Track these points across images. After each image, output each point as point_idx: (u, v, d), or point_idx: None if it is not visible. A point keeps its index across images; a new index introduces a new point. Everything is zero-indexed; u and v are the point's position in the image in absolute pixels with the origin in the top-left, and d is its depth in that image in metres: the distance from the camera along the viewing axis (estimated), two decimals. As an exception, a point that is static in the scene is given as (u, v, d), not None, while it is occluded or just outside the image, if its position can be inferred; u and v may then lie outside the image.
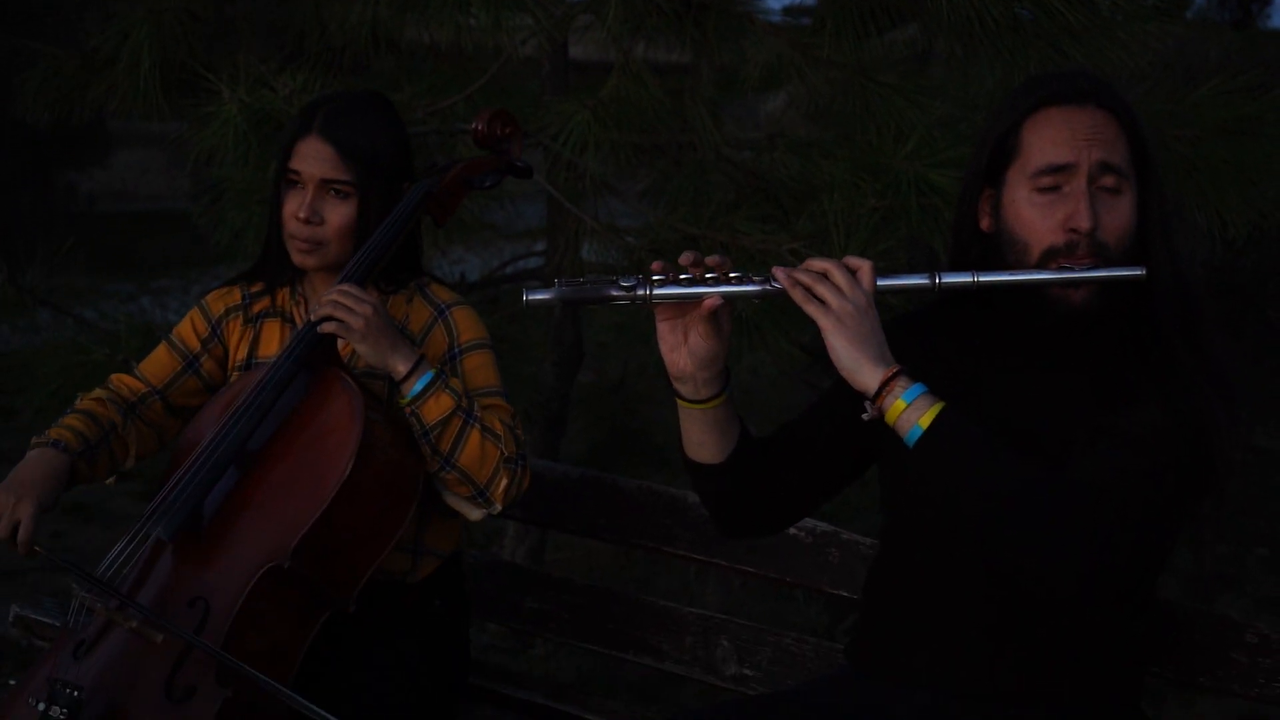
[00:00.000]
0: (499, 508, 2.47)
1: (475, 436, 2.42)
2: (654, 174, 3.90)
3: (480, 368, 2.59)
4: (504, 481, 2.44)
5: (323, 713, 2.13)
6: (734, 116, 4.68)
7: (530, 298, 2.03)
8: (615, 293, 2.00)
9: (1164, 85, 3.63)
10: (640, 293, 1.99)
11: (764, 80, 4.33)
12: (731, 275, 2.01)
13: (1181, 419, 2.01)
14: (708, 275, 2.01)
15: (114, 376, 2.77)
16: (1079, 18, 3.19)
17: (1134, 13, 3.30)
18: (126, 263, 9.35)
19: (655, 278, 2.01)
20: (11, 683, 2.74)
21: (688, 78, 4.19)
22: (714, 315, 2.03)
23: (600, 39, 3.65)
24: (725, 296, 2.00)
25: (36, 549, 2.40)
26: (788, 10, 4.61)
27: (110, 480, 2.69)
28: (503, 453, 2.44)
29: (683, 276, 2.01)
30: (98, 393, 2.70)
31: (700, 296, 2.00)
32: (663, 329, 2.07)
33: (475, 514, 2.48)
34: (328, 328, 2.40)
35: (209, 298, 2.78)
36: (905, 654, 2.23)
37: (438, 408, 2.41)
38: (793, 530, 2.75)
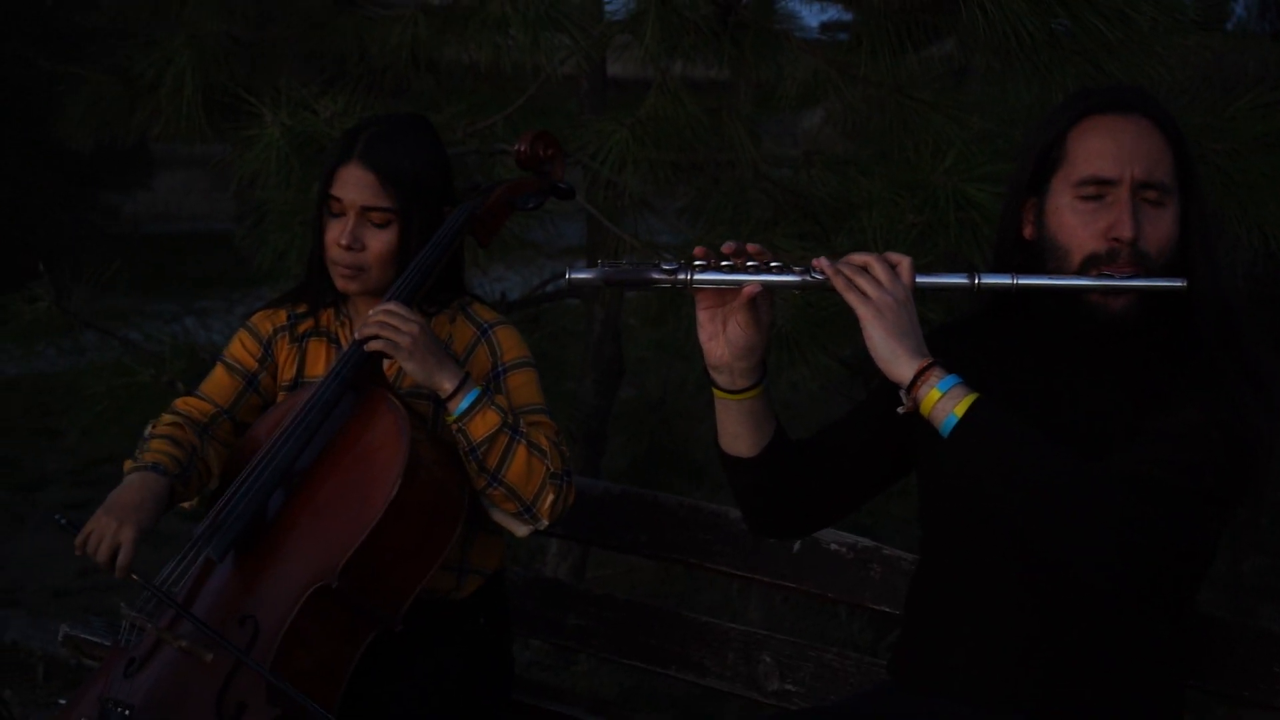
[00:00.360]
0: (545, 523, 2.48)
1: (522, 453, 2.43)
2: (692, 192, 3.90)
3: (524, 385, 2.60)
4: (550, 497, 2.45)
5: None
6: (771, 134, 4.69)
7: (574, 276, 2.07)
8: (657, 275, 2.03)
9: (1202, 98, 3.62)
10: (681, 277, 2.02)
11: (801, 97, 4.33)
12: (773, 265, 2.02)
13: (1220, 421, 2.00)
14: (749, 264, 2.03)
15: (179, 401, 2.76)
16: (1116, 32, 3.18)
17: (1171, 26, 3.29)
18: (170, 283, 9.41)
19: (697, 263, 2.02)
20: (61, 702, 2.77)
21: (725, 95, 4.20)
22: (753, 304, 2.05)
23: (638, 57, 3.65)
24: (766, 285, 2.02)
25: (133, 576, 2.38)
26: (825, 27, 4.63)
27: (192, 503, 2.67)
28: (548, 468, 2.45)
29: (724, 264, 2.02)
30: (169, 418, 2.67)
31: (740, 284, 2.02)
32: (702, 317, 2.08)
33: (522, 530, 2.49)
34: (375, 346, 2.41)
35: (255, 319, 2.78)
36: (947, 667, 2.23)
37: (484, 424, 2.42)
38: (834, 546, 2.75)
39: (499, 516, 2.50)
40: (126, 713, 2.26)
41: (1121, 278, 2.03)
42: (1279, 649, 2.37)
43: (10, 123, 9.27)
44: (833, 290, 2.00)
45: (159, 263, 10.15)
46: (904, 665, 2.34)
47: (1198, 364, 2.06)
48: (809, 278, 2.01)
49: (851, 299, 1.97)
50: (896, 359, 1.97)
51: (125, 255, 4.71)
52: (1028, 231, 2.18)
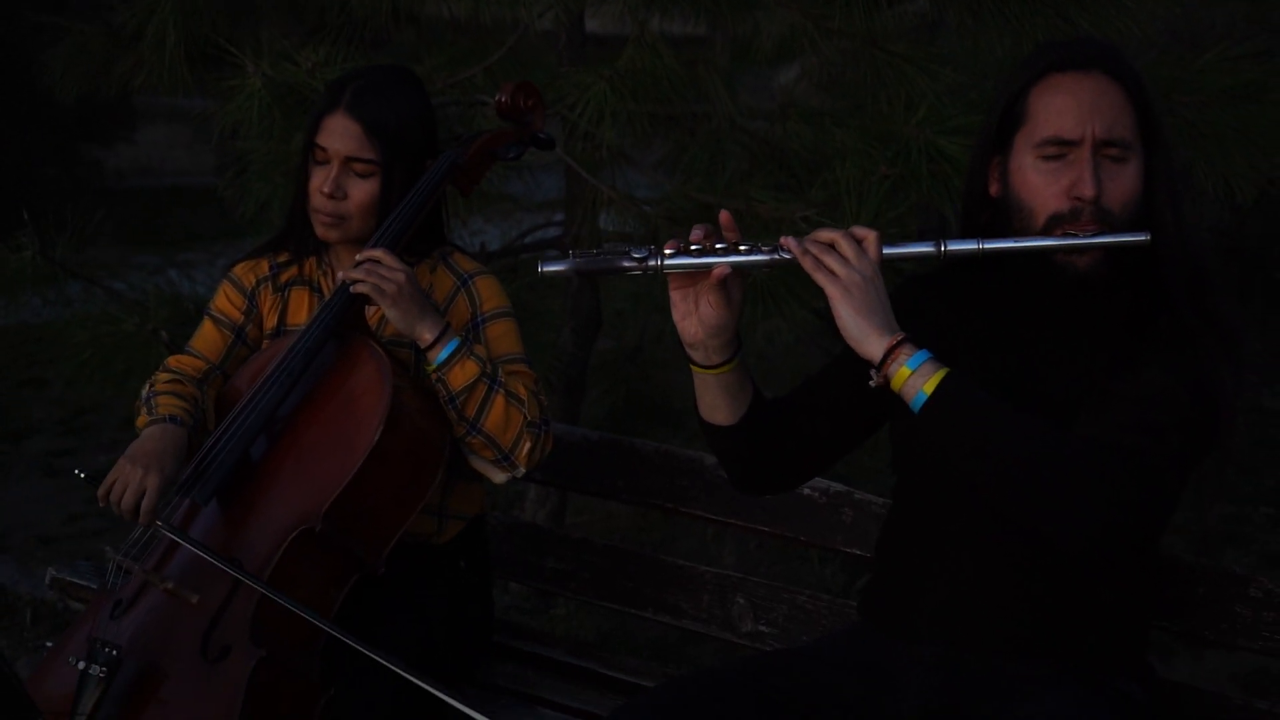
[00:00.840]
0: (523, 470, 2.49)
1: (500, 402, 2.43)
2: (670, 144, 3.89)
3: (503, 335, 2.60)
4: (527, 445, 2.46)
5: (356, 643, 2.17)
6: (748, 87, 4.67)
7: (545, 268, 2.04)
8: (627, 263, 2.02)
9: (1171, 52, 3.62)
10: (652, 263, 2.01)
11: (777, 52, 4.32)
12: (741, 246, 2.02)
13: (1187, 380, 2.01)
14: (718, 246, 2.03)
15: (171, 359, 2.77)
16: (1088, -10, 3.19)
17: (1146, -15, 3.30)
18: (154, 236, 9.36)
19: (667, 251, 2.02)
20: (49, 644, 2.77)
21: (702, 49, 4.18)
22: (724, 284, 2.04)
23: (616, 12, 3.65)
24: (734, 266, 2.02)
25: (159, 524, 2.40)
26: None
27: None
28: (526, 417, 2.46)
29: (693, 248, 2.02)
30: (165, 375, 2.68)
31: (710, 266, 2.02)
32: (675, 298, 2.08)
33: (500, 476, 2.50)
34: (361, 289, 2.40)
35: (237, 270, 2.78)
36: (917, 609, 2.24)
37: (463, 374, 2.42)
38: (807, 491, 2.76)
39: (478, 463, 2.51)
40: (114, 653, 2.25)
41: (1084, 236, 2.04)
42: (1239, 589, 2.40)
43: (-4, 75, 9.22)
44: (801, 269, 2.01)
45: (142, 216, 10.10)
46: (874, 607, 2.35)
47: (1165, 321, 2.07)
48: (777, 257, 2.01)
49: (819, 278, 1.97)
50: (866, 337, 1.97)
51: (109, 208, 4.69)
52: (994, 189, 2.19)
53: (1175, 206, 2.11)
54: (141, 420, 2.57)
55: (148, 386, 2.67)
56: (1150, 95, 2.12)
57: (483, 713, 2.61)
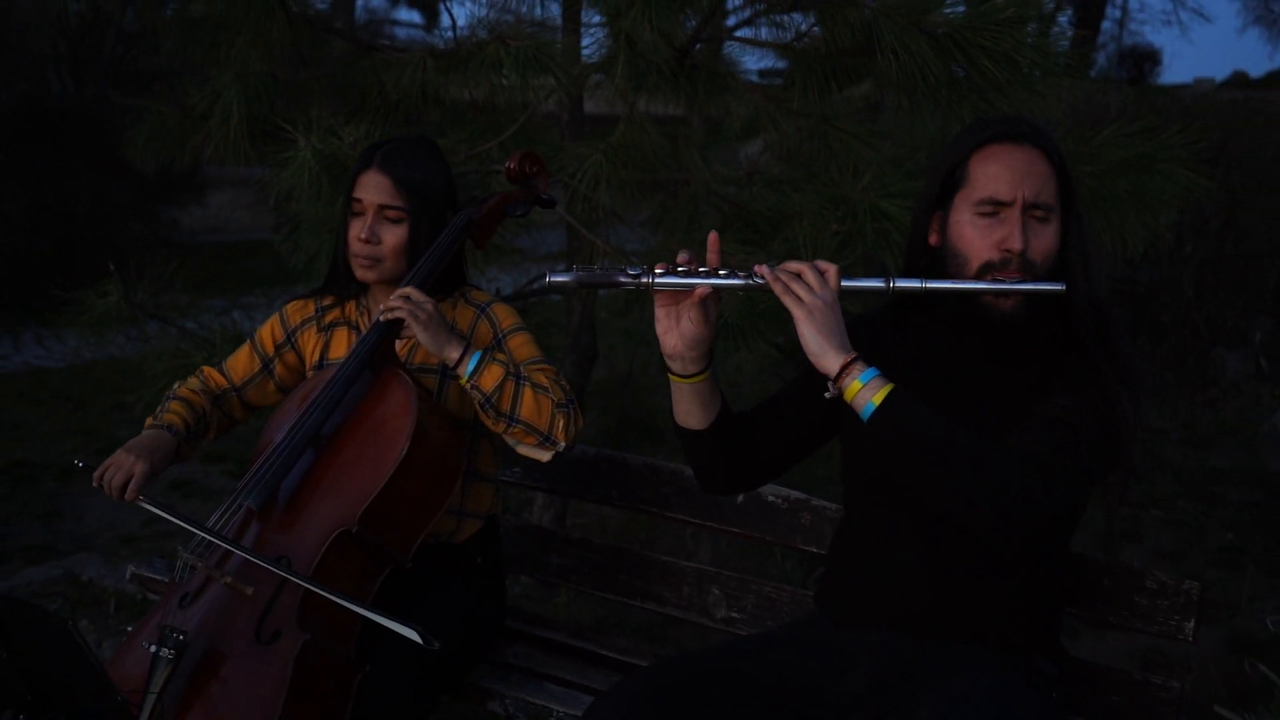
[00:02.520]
0: (563, 445, 2.45)
1: (528, 392, 2.42)
2: (654, 205, 3.89)
3: (523, 345, 2.60)
4: (562, 422, 2.44)
5: (387, 620, 2.16)
6: (719, 158, 4.68)
7: (552, 279, 2.05)
8: (623, 279, 2.02)
9: (1075, 130, 3.63)
10: (644, 280, 2.01)
11: (744, 129, 4.32)
12: (720, 270, 2.02)
13: (1093, 406, 2.03)
14: (700, 270, 2.02)
15: (205, 369, 2.80)
16: (1004, 74, 3.18)
17: (1048, 70, 3.30)
18: (220, 283, 9.34)
19: (657, 270, 2.02)
20: (128, 629, 2.74)
21: (681, 126, 4.18)
22: (703, 303, 2.04)
23: (609, 95, 3.65)
24: (715, 287, 2.02)
25: (140, 499, 2.44)
26: (762, 73, 4.61)
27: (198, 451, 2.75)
28: (554, 400, 2.44)
29: (679, 269, 2.02)
30: (192, 383, 2.74)
31: (693, 286, 2.02)
32: (660, 313, 2.08)
33: (546, 456, 2.47)
34: (398, 314, 2.40)
35: (289, 306, 2.78)
36: (864, 600, 2.25)
37: (491, 377, 2.41)
38: (771, 498, 2.77)
39: (524, 450, 2.48)
40: (181, 637, 2.24)
41: (1012, 282, 2.04)
42: (1138, 581, 2.40)
43: (89, 148, 9.21)
44: (772, 293, 2.00)
45: (210, 266, 10.09)
46: (827, 598, 2.34)
47: (1075, 356, 2.08)
48: (751, 281, 2.01)
49: (787, 301, 1.98)
50: (825, 353, 1.97)
51: (182, 260, 4.68)
52: (933, 239, 2.19)
53: (1085, 262, 2.12)
54: (148, 422, 2.62)
55: (176, 386, 2.72)
56: (1069, 168, 2.14)
57: (498, 686, 2.60)
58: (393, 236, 2.58)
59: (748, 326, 3.19)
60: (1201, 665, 3.73)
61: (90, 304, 3.74)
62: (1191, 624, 2.35)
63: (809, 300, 1.97)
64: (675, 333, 2.07)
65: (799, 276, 1.98)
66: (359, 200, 2.58)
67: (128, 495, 2.44)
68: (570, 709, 2.54)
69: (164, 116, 3.86)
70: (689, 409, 2.19)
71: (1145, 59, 27.16)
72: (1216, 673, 3.69)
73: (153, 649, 2.24)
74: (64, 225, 9.43)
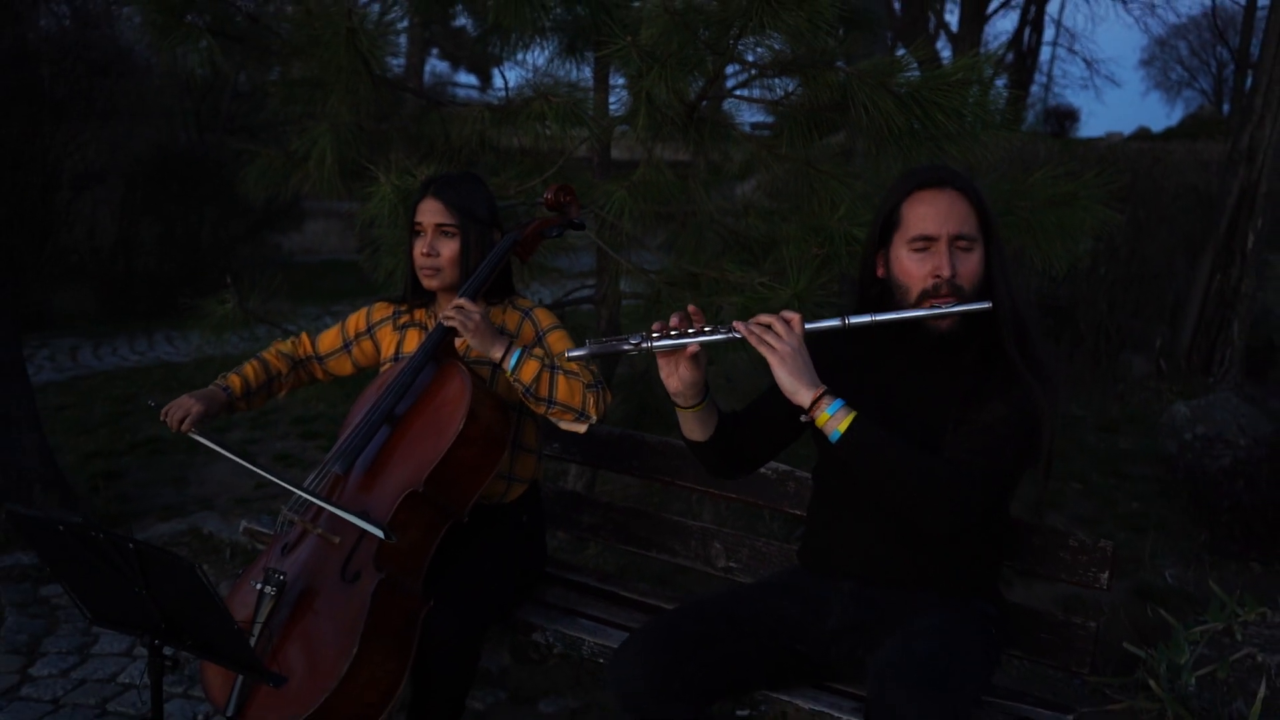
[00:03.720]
0: (595, 418, 2.45)
1: (561, 379, 2.43)
2: (668, 232, 3.88)
3: (559, 340, 2.60)
4: (592, 399, 2.44)
5: (359, 520, 2.21)
6: (720, 194, 4.65)
7: (570, 355, 2.09)
8: (627, 347, 2.04)
9: (1009, 173, 3.61)
10: (644, 346, 2.03)
11: (741, 171, 4.32)
12: (706, 329, 2.04)
13: (1018, 410, 2.03)
14: (689, 330, 2.03)
15: (304, 335, 2.88)
16: (953, 127, 3.16)
17: (989, 123, 3.28)
18: (313, 295, 9.35)
19: (654, 334, 2.03)
20: (239, 573, 2.74)
21: (690, 169, 4.16)
22: (694, 357, 2.07)
23: (632, 143, 3.64)
24: (702, 344, 2.04)
25: (193, 433, 2.53)
26: (755, 125, 4.60)
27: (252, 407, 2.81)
28: (583, 382, 2.44)
29: (672, 331, 2.03)
30: (284, 347, 2.83)
31: (684, 345, 2.03)
32: (661, 365, 2.10)
33: (582, 428, 2.46)
34: (451, 323, 2.43)
35: (375, 306, 2.82)
36: (835, 556, 2.25)
37: (529, 370, 2.42)
38: (763, 471, 2.76)
39: (565, 426, 2.47)
40: (281, 577, 2.27)
41: (944, 305, 2.05)
42: (1062, 540, 2.39)
43: (209, 186, 9.25)
44: (748, 345, 2.02)
45: (306, 281, 10.11)
46: (806, 554, 2.35)
47: (1002, 366, 2.08)
48: (731, 335, 2.02)
49: (763, 350, 1.99)
50: (797, 391, 1.99)
51: (284, 276, 4.69)
52: (880, 272, 2.19)
53: (1006, 282, 2.11)
54: (220, 377, 2.73)
55: (271, 346, 2.83)
56: (986, 203, 2.13)
57: (540, 620, 2.59)
58: (448, 249, 2.60)
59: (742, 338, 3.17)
60: (1113, 610, 3.71)
61: (211, 310, 3.74)
62: (1106, 575, 2.34)
63: (779, 348, 1.98)
64: (675, 377, 2.09)
65: (770, 328, 1.99)
66: (419, 223, 2.61)
67: (183, 428, 2.54)
68: (598, 639, 2.53)
69: (270, 159, 3.86)
70: (692, 428, 2.22)
71: (1066, 116, 27.08)
72: (1125, 616, 3.66)
73: (259, 587, 2.27)
74: (189, 249, 9.45)
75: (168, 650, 1.95)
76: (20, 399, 4.21)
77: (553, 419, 2.47)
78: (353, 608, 2.23)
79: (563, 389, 2.42)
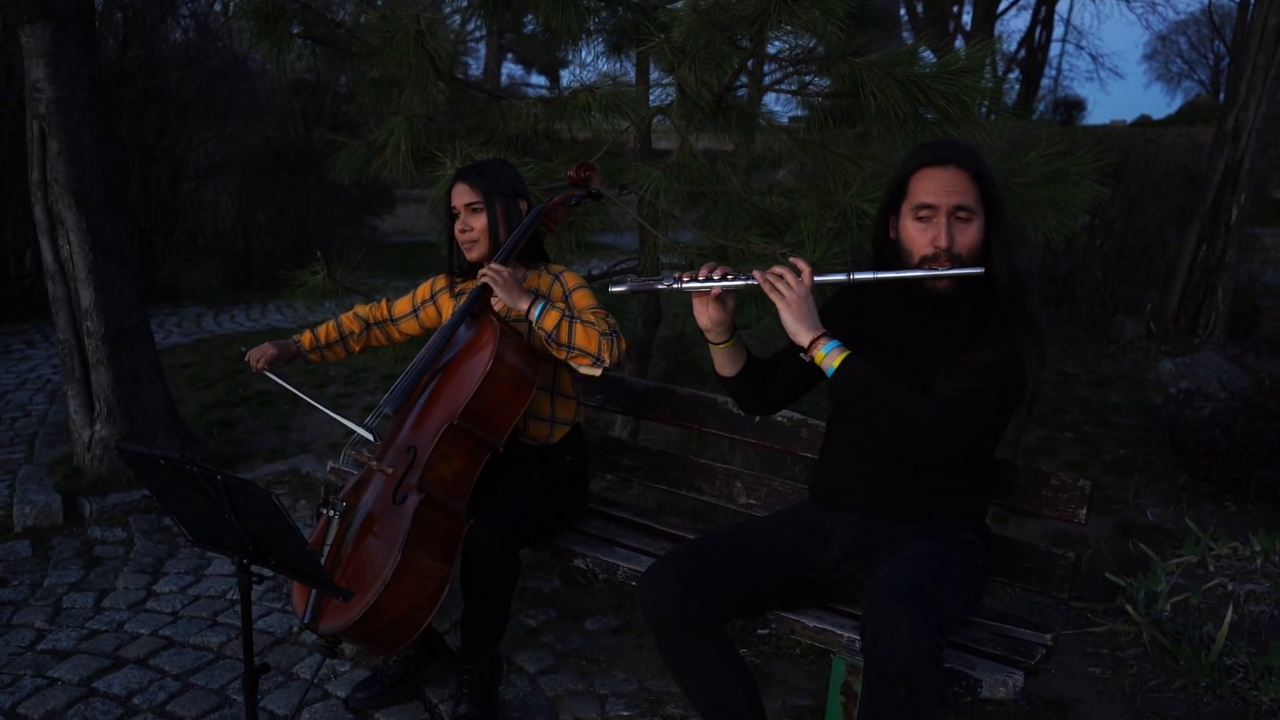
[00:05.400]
0: (608, 363, 2.43)
1: (579, 327, 2.43)
2: (700, 209, 3.83)
3: (583, 296, 2.58)
4: (607, 345, 2.42)
5: (350, 421, 2.14)
6: (758, 179, 4.60)
7: (612, 289, 2.12)
8: (660, 286, 2.07)
9: (1010, 153, 3.51)
10: (675, 286, 2.06)
11: (774, 160, 4.24)
12: (729, 275, 2.04)
13: (1006, 357, 1.99)
14: (714, 276, 2.04)
15: (385, 300, 2.91)
16: (955, 112, 3.08)
17: (998, 110, 3.20)
18: (404, 270, 9.40)
19: (684, 277, 2.05)
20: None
21: (728, 157, 4.09)
22: (720, 299, 2.08)
23: (670, 132, 3.59)
24: (723, 289, 2.05)
25: (266, 372, 2.65)
26: (793, 119, 4.53)
27: (323, 359, 2.87)
28: (599, 330, 2.44)
29: (700, 277, 2.05)
30: (361, 310, 2.89)
31: (709, 288, 2.05)
32: (695, 308, 2.11)
33: (597, 372, 2.44)
34: (484, 280, 2.48)
35: (439, 277, 2.84)
36: (839, 491, 2.22)
37: (550, 319, 2.43)
38: (779, 419, 2.73)
39: (583, 370, 2.46)
40: (344, 504, 2.39)
41: (942, 269, 2.02)
42: (1045, 480, 2.33)
43: (314, 176, 9.31)
44: (765, 299, 2.01)
45: (398, 258, 10.17)
46: (815, 490, 2.31)
47: (994, 320, 2.03)
48: (749, 282, 2.02)
49: (773, 297, 1.99)
50: (798, 332, 1.98)
51: (371, 252, 4.72)
52: (891, 234, 2.15)
53: (1006, 248, 2.06)
54: (297, 334, 2.82)
55: (354, 309, 2.89)
56: (988, 177, 2.06)
57: (581, 549, 2.59)
58: (479, 222, 2.62)
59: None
60: (1097, 544, 3.62)
61: (305, 280, 3.77)
62: (1084, 511, 2.28)
63: (788, 295, 1.97)
64: (705, 315, 2.10)
65: (782, 278, 1.98)
66: (454, 206, 2.65)
67: (258, 366, 2.64)
68: (632, 566, 2.53)
69: (354, 148, 3.86)
70: (722, 363, 2.21)
71: (1074, 106, 26.39)
72: (1108, 550, 3.58)
73: (326, 513, 2.35)
74: (297, 231, 9.53)
75: (255, 568, 1.97)
76: (147, 358, 4.29)
77: (572, 364, 2.46)
78: (399, 523, 2.29)
79: (580, 335, 2.42)
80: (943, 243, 2.01)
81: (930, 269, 2.01)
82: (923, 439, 1.94)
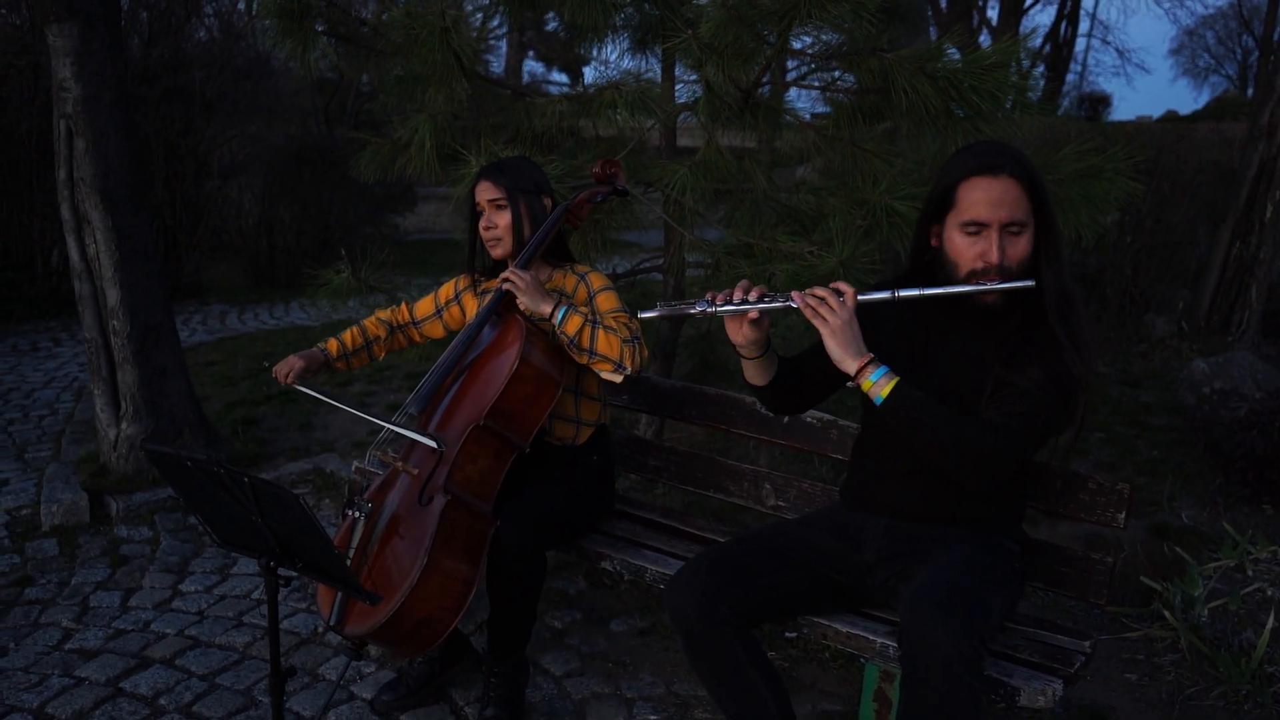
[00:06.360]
0: (629, 370, 2.41)
1: (601, 333, 2.41)
2: (727, 207, 3.80)
3: (607, 299, 2.56)
4: (629, 352, 2.41)
5: (414, 433, 2.14)
6: (782, 177, 4.55)
7: (642, 315, 2.02)
8: (693, 312, 1.98)
9: (1041, 149, 3.46)
10: (709, 311, 1.98)
11: (799, 156, 4.20)
12: (765, 297, 1.97)
13: (1054, 376, 1.93)
14: (749, 297, 1.98)
15: (405, 303, 2.88)
16: (986, 107, 3.02)
17: (1025, 107, 3.14)
18: (426, 268, 9.41)
19: (719, 299, 1.98)
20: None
21: (753, 154, 4.06)
22: (755, 321, 2.02)
23: (694, 129, 3.56)
24: (760, 311, 1.99)
25: (296, 385, 2.60)
26: (815, 116, 4.48)
27: (350, 367, 2.83)
28: (621, 336, 2.42)
29: (736, 299, 1.98)
30: (383, 314, 2.85)
31: (745, 311, 1.98)
32: (728, 325, 2.06)
33: (618, 378, 2.43)
34: (506, 287, 2.45)
35: (462, 276, 2.82)
36: (874, 494, 2.18)
37: (573, 324, 2.41)
38: (809, 419, 2.69)
39: (604, 375, 2.44)
40: (370, 505, 2.37)
41: (991, 283, 1.94)
42: (1082, 483, 2.28)
43: (337, 173, 9.34)
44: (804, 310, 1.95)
45: (420, 256, 10.18)
46: (847, 492, 2.27)
47: (1043, 334, 1.97)
48: (787, 304, 1.96)
49: (816, 322, 1.93)
50: (845, 361, 1.93)
51: (395, 251, 4.71)
52: (934, 243, 2.07)
53: (1057, 259, 1.98)
54: (323, 341, 2.76)
55: (375, 312, 2.85)
56: (1040, 185, 1.97)
57: (608, 550, 2.56)
58: (502, 219, 2.60)
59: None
60: (1132, 547, 3.56)
61: (329, 279, 3.77)
62: (1123, 515, 2.23)
63: (831, 320, 1.92)
64: (740, 334, 2.04)
65: (824, 300, 1.92)
66: (478, 203, 2.62)
67: (287, 380, 2.60)
68: (660, 568, 2.50)
69: (378, 146, 3.86)
70: (754, 375, 2.17)
71: (1099, 102, 26.18)
72: (1143, 553, 3.52)
73: (351, 514, 2.34)
74: (320, 229, 9.57)
75: (281, 571, 1.96)
76: (172, 356, 4.30)
77: (594, 369, 2.44)
78: (425, 525, 2.27)
79: (602, 341, 2.39)
80: (994, 258, 1.93)
81: (979, 283, 1.94)
82: (971, 468, 1.90)
